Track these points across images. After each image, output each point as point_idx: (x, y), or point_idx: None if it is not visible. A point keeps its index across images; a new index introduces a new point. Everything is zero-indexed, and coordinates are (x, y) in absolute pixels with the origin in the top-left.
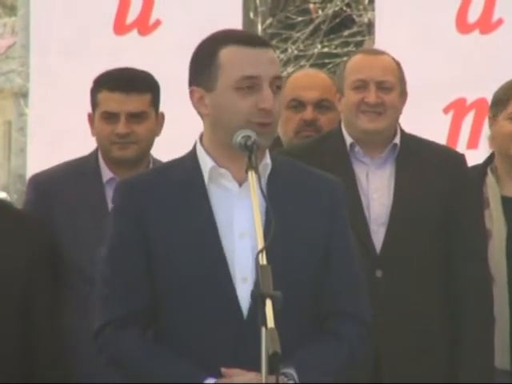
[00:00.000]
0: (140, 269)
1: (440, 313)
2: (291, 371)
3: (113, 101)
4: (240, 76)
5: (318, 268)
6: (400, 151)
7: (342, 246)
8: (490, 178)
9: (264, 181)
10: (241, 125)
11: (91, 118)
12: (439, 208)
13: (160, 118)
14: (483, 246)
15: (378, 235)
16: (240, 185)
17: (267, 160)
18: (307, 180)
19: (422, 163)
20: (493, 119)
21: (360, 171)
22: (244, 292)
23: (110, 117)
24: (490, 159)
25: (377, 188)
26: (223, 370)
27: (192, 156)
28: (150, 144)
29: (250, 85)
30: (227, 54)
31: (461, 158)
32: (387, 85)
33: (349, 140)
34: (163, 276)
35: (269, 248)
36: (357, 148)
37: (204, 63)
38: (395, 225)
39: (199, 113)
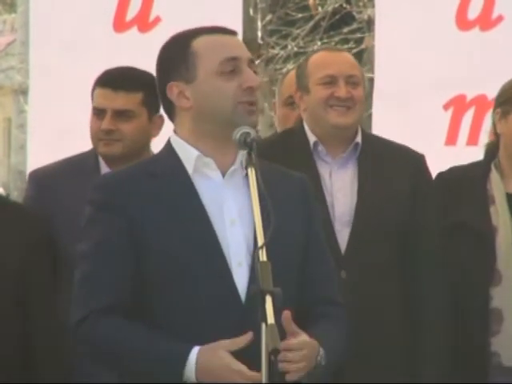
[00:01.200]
0: (123, 263)
1: (402, 313)
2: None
3: (101, 97)
4: (221, 59)
5: (301, 258)
6: (361, 150)
7: (319, 238)
8: (495, 175)
9: (244, 171)
10: (230, 108)
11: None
12: (401, 208)
13: (157, 120)
14: (439, 246)
15: (342, 235)
16: (223, 174)
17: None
18: (280, 179)
19: (383, 162)
20: (502, 116)
21: (323, 170)
22: (240, 277)
23: (99, 113)
24: (492, 155)
25: (340, 187)
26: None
27: (168, 151)
28: (139, 143)
29: (231, 68)
30: (201, 43)
31: (420, 159)
32: (355, 79)
33: (312, 139)
34: (158, 267)
35: (266, 236)
36: (320, 147)
37: (177, 57)
38: (359, 225)
39: (174, 109)
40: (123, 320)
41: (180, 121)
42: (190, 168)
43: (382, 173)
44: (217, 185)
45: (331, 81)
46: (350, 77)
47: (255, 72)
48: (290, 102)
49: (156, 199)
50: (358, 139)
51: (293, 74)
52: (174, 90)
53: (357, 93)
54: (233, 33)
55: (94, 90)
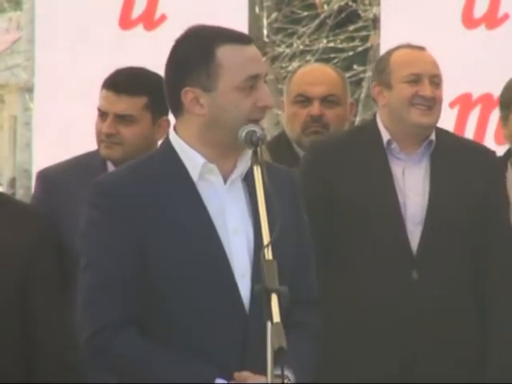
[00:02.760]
0: (131, 273)
1: (475, 314)
2: (288, 373)
3: (105, 99)
4: (245, 76)
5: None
6: (435, 147)
7: (304, 234)
8: (510, 173)
9: (241, 177)
10: (241, 123)
11: None
12: (474, 207)
13: (163, 123)
14: None
15: (413, 235)
16: (225, 180)
17: (245, 157)
18: (273, 174)
19: (456, 160)
20: (504, 118)
21: (396, 168)
22: (244, 288)
23: (102, 115)
24: (509, 153)
25: (413, 186)
26: (236, 374)
27: (170, 152)
28: (142, 147)
29: (252, 84)
30: (226, 54)
31: (493, 156)
32: (438, 79)
33: (386, 136)
34: (163, 276)
35: (261, 243)
36: (393, 144)
37: (198, 63)
38: (431, 225)
39: (181, 111)
40: (140, 336)
41: (187, 124)
42: (194, 174)
43: (455, 170)
44: (220, 192)
45: (416, 79)
46: (434, 76)
47: (267, 83)
48: (298, 100)
49: (160, 205)
50: (432, 136)
51: (302, 71)
52: (189, 94)
53: (439, 93)
54: (251, 41)
55: (101, 89)
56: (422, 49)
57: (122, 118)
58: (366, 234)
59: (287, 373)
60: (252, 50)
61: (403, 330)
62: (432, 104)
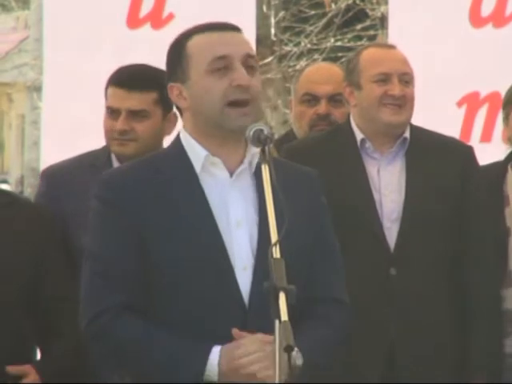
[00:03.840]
0: (132, 263)
1: (452, 308)
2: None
3: (116, 97)
4: (211, 58)
5: (310, 256)
6: (409, 145)
7: (327, 234)
8: (511, 176)
9: (252, 171)
10: (219, 106)
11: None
12: (451, 202)
13: (172, 117)
14: (492, 238)
15: (390, 232)
16: (231, 174)
17: (253, 150)
18: (291, 175)
19: (431, 156)
20: (505, 118)
21: (371, 167)
22: (244, 281)
23: (113, 112)
24: (510, 156)
25: (388, 184)
26: (234, 331)
27: (177, 146)
28: (153, 142)
29: (222, 66)
30: (194, 43)
31: (469, 151)
32: (408, 77)
33: (359, 136)
34: (161, 266)
35: (269, 239)
36: (367, 144)
37: (174, 59)
38: (408, 221)
39: (178, 108)
40: (139, 319)
41: (185, 119)
42: (197, 167)
43: (431, 167)
44: (224, 185)
45: (385, 78)
46: (404, 74)
47: (253, 67)
48: (306, 100)
49: (163, 197)
50: (407, 134)
51: (309, 70)
52: (173, 90)
53: (409, 91)
54: (230, 28)
55: (107, 88)
56: (391, 47)
57: (135, 114)
58: (342, 232)
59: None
60: (224, 34)
61: (382, 327)
62: (402, 102)
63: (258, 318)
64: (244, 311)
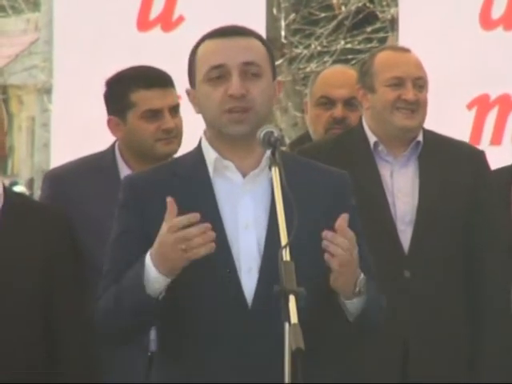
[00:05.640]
0: (135, 257)
1: (466, 312)
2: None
3: (154, 98)
4: (208, 67)
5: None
6: (422, 149)
7: (356, 235)
8: None
9: (270, 175)
10: (215, 115)
11: (115, 121)
12: (464, 205)
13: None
14: (505, 241)
15: (405, 235)
16: (244, 176)
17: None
18: (311, 174)
19: (444, 160)
20: None
21: (384, 170)
22: (249, 282)
23: (153, 114)
24: None
25: (401, 187)
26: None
27: (198, 150)
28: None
29: (218, 75)
30: (200, 50)
31: (481, 155)
32: (422, 82)
33: (372, 139)
34: None
35: (278, 240)
36: (380, 147)
37: (189, 63)
38: (422, 224)
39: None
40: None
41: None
42: (210, 170)
43: (444, 171)
44: (236, 187)
45: (399, 82)
46: (418, 79)
47: (254, 74)
48: (322, 102)
49: (176, 200)
50: (420, 138)
51: (325, 73)
52: (190, 95)
53: (423, 96)
54: (238, 33)
55: (128, 93)
56: (405, 50)
57: (173, 110)
58: None
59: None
60: (227, 41)
61: (396, 329)
62: (415, 107)
63: (260, 319)
64: (246, 312)
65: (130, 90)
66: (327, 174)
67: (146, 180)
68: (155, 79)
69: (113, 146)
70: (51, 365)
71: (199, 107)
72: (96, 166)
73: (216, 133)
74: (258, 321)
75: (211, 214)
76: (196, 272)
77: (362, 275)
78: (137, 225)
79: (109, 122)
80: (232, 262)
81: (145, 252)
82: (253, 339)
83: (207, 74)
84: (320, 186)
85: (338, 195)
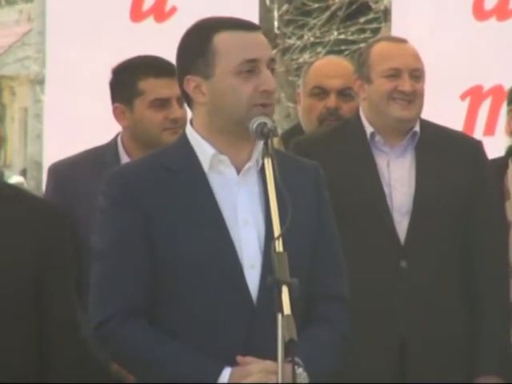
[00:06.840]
0: (142, 262)
1: (463, 300)
2: (298, 360)
3: (163, 87)
4: (240, 60)
5: (312, 251)
6: (419, 139)
7: (328, 229)
8: (511, 170)
9: (258, 167)
10: (244, 108)
11: (121, 109)
12: (461, 196)
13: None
14: (502, 233)
15: (401, 225)
16: (238, 171)
17: (260, 148)
18: (293, 167)
19: (441, 150)
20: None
21: (381, 161)
22: (252, 279)
23: (162, 103)
24: (511, 150)
25: (398, 177)
26: (239, 358)
27: (184, 143)
28: None
29: (249, 68)
30: (223, 40)
31: (478, 145)
32: (418, 73)
33: (369, 129)
34: (171, 267)
35: (273, 234)
36: (377, 137)
37: (197, 51)
38: (418, 215)
39: (191, 101)
40: (149, 326)
41: (196, 115)
42: (205, 165)
43: (441, 161)
44: (231, 183)
45: (395, 73)
46: (414, 70)
47: (273, 70)
48: (315, 93)
49: (171, 196)
50: (416, 128)
51: (319, 63)
52: (190, 83)
53: (419, 87)
54: (256, 28)
55: (136, 81)
56: (402, 41)
57: (179, 100)
58: (353, 226)
59: (298, 360)
60: (252, 35)
61: (392, 320)
62: (412, 98)
63: (266, 315)
64: (252, 309)
65: (138, 78)
66: (302, 167)
67: (137, 174)
68: (164, 68)
69: (115, 138)
70: (43, 366)
71: (214, 97)
72: (99, 159)
73: (228, 124)
74: (263, 317)
75: (211, 211)
76: (202, 270)
77: (300, 372)
78: (135, 223)
79: (114, 109)
80: (237, 258)
81: (147, 252)
82: (258, 335)
83: (239, 67)
84: (297, 179)
85: (315, 188)
